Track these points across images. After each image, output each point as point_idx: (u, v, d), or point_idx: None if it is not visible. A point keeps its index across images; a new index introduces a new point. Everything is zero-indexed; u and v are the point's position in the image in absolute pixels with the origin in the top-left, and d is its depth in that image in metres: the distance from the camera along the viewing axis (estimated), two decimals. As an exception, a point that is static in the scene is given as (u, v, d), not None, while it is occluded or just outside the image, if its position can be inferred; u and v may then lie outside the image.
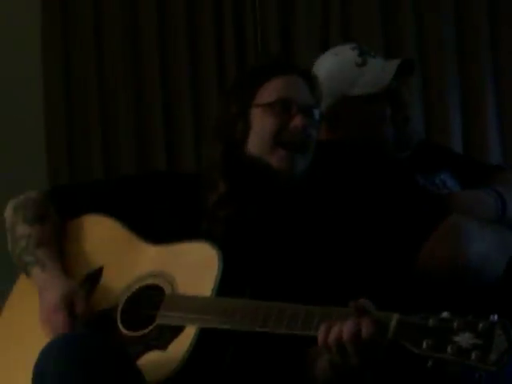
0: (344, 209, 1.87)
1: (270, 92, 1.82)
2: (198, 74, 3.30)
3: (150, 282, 1.72)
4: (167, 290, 1.67)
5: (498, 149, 2.96)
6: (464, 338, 1.27)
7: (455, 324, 1.29)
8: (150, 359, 1.59)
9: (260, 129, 1.80)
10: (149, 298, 1.69)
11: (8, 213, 1.91)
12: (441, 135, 2.99)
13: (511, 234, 2.01)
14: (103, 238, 1.85)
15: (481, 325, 1.27)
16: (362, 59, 2.11)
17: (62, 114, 3.36)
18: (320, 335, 1.41)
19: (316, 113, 1.84)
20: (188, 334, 1.57)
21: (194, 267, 1.67)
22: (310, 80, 1.87)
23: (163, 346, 1.59)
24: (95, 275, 1.81)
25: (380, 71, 2.09)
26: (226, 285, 1.61)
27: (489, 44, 3.02)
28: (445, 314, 1.32)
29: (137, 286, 1.73)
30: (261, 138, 1.80)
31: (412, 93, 2.92)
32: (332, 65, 2.14)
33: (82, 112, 3.36)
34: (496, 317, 1.27)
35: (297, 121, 1.79)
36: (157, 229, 1.82)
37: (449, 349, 1.27)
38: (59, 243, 1.87)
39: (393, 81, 2.07)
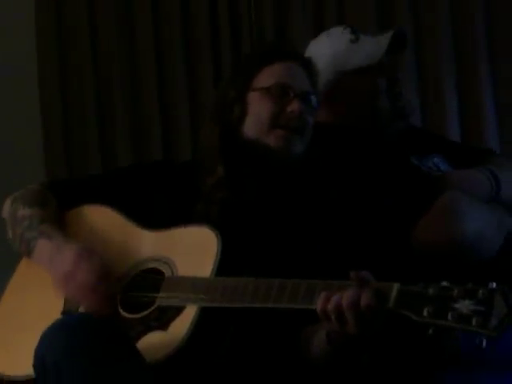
0: (340, 188, 1.89)
1: (267, 77, 1.84)
2: (194, 65, 3.29)
3: (149, 266, 1.72)
4: (167, 273, 1.68)
5: (495, 137, 2.96)
6: (464, 305, 1.28)
7: (455, 292, 1.30)
8: (151, 339, 1.59)
9: (257, 112, 1.82)
10: (149, 281, 1.69)
11: (6, 205, 1.91)
12: (438, 127, 2.98)
13: (506, 212, 2.03)
14: (102, 227, 1.85)
15: (480, 292, 1.28)
16: (354, 36, 2.16)
17: (59, 106, 3.35)
18: (319, 303, 1.42)
19: (313, 99, 1.86)
20: (188, 314, 1.58)
21: (193, 250, 1.68)
22: (308, 67, 1.89)
23: (164, 326, 1.60)
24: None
25: (374, 45, 2.13)
26: (225, 266, 1.62)
27: (484, 31, 3.03)
28: (444, 283, 1.33)
29: (136, 271, 1.74)
30: (258, 121, 1.82)
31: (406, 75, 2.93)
32: (325, 44, 2.19)
33: (78, 100, 3.35)
34: (495, 284, 1.28)
35: (294, 105, 1.81)
36: (154, 216, 1.83)
37: (449, 316, 1.28)
38: (60, 226, 1.86)
39: (387, 54, 2.10)
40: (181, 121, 3.28)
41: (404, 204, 1.92)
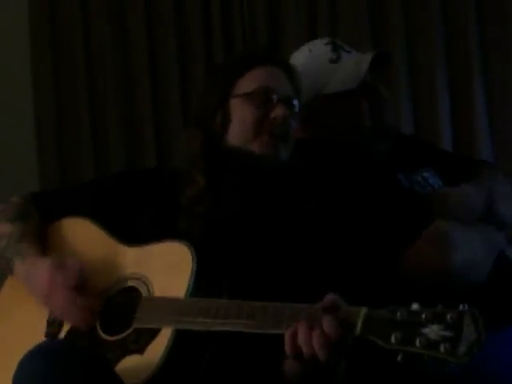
0: (325, 205, 1.84)
1: (249, 82, 1.80)
2: (187, 65, 3.29)
3: (127, 284, 1.71)
4: (144, 293, 1.66)
5: (487, 137, 2.94)
6: (432, 330, 1.25)
7: (423, 316, 1.27)
8: (129, 364, 1.57)
9: (240, 119, 1.79)
10: (126, 301, 1.67)
11: None
12: (430, 131, 2.98)
13: (496, 232, 2.00)
14: (82, 240, 1.83)
15: (449, 316, 1.24)
16: (336, 55, 2.08)
17: (52, 106, 3.37)
18: (287, 347, 1.42)
19: (296, 103, 1.83)
20: (164, 337, 1.56)
21: (168, 268, 1.65)
22: (290, 71, 1.86)
23: (141, 349, 1.57)
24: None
25: (354, 67, 2.05)
26: (204, 280, 1.60)
27: (476, 32, 3.01)
28: (414, 307, 1.30)
29: (114, 290, 1.72)
30: (241, 128, 1.78)
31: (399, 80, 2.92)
32: (305, 60, 2.10)
33: (72, 100, 3.36)
34: (466, 306, 1.25)
35: (278, 111, 1.77)
36: (135, 229, 1.80)
37: (417, 342, 1.25)
38: (41, 241, 1.85)
39: (367, 75, 2.03)
40: (173, 121, 3.27)
41: (389, 224, 1.89)
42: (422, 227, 1.88)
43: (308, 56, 2.12)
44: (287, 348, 1.42)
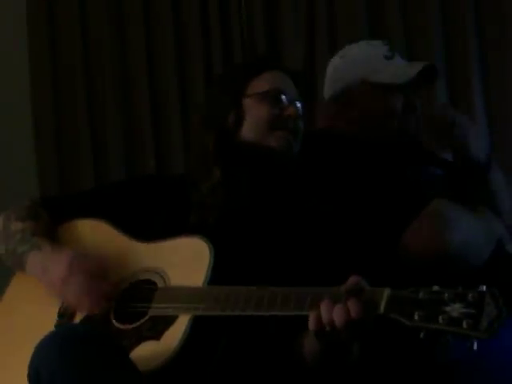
0: (334, 195, 1.90)
1: (262, 84, 1.89)
2: (185, 65, 3.31)
3: (142, 277, 1.73)
4: (160, 284, 1.68)
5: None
6: (455, 308, 1.28)
7: (445, 295, 1.30)
8: (144, 349, 1.59)
9: (255, 117, 1.86)
10: (142, 292, 1.69)
11: None
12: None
13: (497, 220, 2.02)
14: (95, 240, 1.85)
15: (470, 295, 1.28)
16: (391, 53, 2.18)
17: (50, 107, 3.37)
18: (311, 323, 1.44)
19: (300, 108, 1.91)
20: (181, 323, 1.58)
21: (185, 262, 1.68)
22: (295, 77, 1.95)
23: (157, 336, 1.59)
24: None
25: (406, 66, 2.16)
26: (219, 274, 1.62)
27: (474, 31, 3.03)
28: (435, 287, 1.33)
29: (130, 282, 1.74)
30: (256, 125, 1.86)
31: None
32: (362, 50, 2.21)
33: (70, 101, 3.37)
34: (485, 287, 1.29)
35: (289, 110, 1.87)
36: (147, 230, 1.83)
37: (440, 319, 1.28)
38: (53, 239, 1.86)
39: (414, 79, 2.11)
40: (172, 121, 3.29)
41: (393, 211, 1.92)
42: (419, 209, 1.92)
43: (366, 47, 2.22)
44: (311, 325, 1.45)
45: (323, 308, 1.43)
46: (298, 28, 3.20)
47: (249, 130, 1.86)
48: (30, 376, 1.50)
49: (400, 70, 2.15)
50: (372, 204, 1.93)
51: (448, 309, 1.28)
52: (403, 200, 1.96)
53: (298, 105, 1.90)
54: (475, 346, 1.26)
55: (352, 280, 1.44)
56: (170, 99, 3.31)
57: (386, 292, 1.37)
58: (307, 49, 3.17)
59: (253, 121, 1.86)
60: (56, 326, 1.75)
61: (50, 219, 1.90)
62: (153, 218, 1.86)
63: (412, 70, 2.13)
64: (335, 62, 2.25)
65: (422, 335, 1.30)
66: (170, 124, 3.29)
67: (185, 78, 3.31)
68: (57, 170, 3.36)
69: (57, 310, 1.78)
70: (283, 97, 1.87)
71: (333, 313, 1.41)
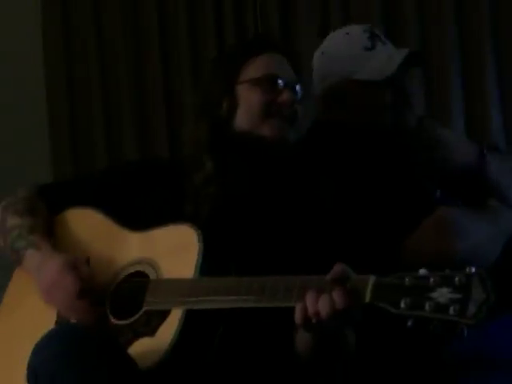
0: (333, 186, 1.84)
1: (255, 68, 1.82)
2: (199, 61, 3.30)
3: (135, 269, 1.71)
4: (152, 276, 1.67)
5: (499, 123, 2.92)
6: (441, 294, 1.24)
7: (431, 280, 1.26)
8: (140, 346, 1.57)
9: (248, 104, 1.80)
10: (135, 286, 1.68)
11: None
12: (441, 109, 2.97)
13: (509, 213, 1.97)
14: (87, 230, 1.84)
15: (457, 278, 1.24)
16: (371, 43, 2.09)
17: (65, 103, 3.40)
18: (297, 316, 1.42)
19: (299, 90, 1.85)
20: (174, 317, 1.56)
21: (175, 250, 1.66)
22: (292, 58, 1.88)
23: (152, 331, 1.58)
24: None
25: (387, 59, 2.07)
26: (212, 262, 1.60)
27: (489, 18, 2.99)
28: (422, 272, 1.29)
29: (123, 275, 1.72)
30: (249, 112, 1.80)
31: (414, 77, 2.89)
32: (341, 44, 2.13)
33: (85, 98, 3.40)
34: (473, 269, 1.24)
35: (284, 96, 1.80)
36: (141, 217, 1.80)
37: (427, 306, 1.24)
38: (50, 234, 1.86)
39: (397, 71, 2.05)
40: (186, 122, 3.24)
41: (396, 211, 1.89)
42: (424, 214, 1.89)
43: (344, 38, 2.14)
44: (296, 318, 1.42)
45: (308, 300, 1.40)
46: (313, 29, 3.15)
47: (242, 119, 1.80)
48: (28, 375, 1.49)
49: (382, 64, 2.06)
50: (374, 195, 1.90)
51: (435, 295, 1.24)
52: (406, 194, 1.94)
53: (297, 88, 1.84)
54: (465, 333, 1.22)
55: (337, 268, 1.41)
56: (184, 100, 3.30)
57: (372, 280, 1.34)
58: (320, 36, 3.13)
59: (245, 109, 1.80)
60: (56, 323, 1.74)
61: (47, 211, 1.89)
62: (149, 203, 1.83)
63: (394, 62, 2.05)
64: (318, 58, 2.18)
65: (409, 323, 1.26)
66: (183, 124, 3.26)
67: (199, 80, 3.26)
68: (71, 168, 3.38)
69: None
70: (279, 81, 1.80)
71: (318, 304, 1.38)
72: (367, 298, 1.33)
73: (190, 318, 1.55)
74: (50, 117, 3.41)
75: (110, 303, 1.69)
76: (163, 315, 1.57)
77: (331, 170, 1.88)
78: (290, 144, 1.80)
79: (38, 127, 3.42)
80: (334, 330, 1.43)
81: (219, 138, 1.81)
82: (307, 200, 1.79)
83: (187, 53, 3.30)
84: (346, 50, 2.10)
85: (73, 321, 1.70)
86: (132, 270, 1.71)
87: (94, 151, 3.38)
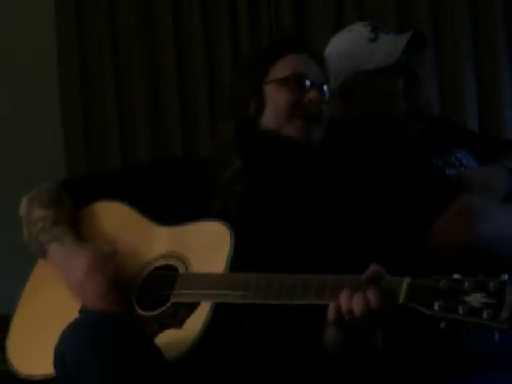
0: (358, 184, 1.89)
1: (283, 68, 1.85)
2: (213, 60, 3.34)
3: (163, 262, 1.73)
4: (181, 270, 1.68)
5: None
6: (475, 298, 1.27)
7: (466, 285, 1.29)
8: (167, 337, 1.59)
9: (275, 103, 1.83)
10: (163, 279, 1.69)
11: (22, 205, 1.91)
12: (455, 109, 3.00)
13: None
14: (116, 224, 1.85)
15: (491, 284, 1.27)
16: (374, 35, 2.14)
17: (79, 103, 3.43)
18: (330, 313, 1.43)
19: (326, 90, 1.87)
20: (203, 310, 1.58)
21: (206, 246, 1.67)
22: (319, 59, 1.91)
23: (179, 323, 1.59)
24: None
25: (391, 46, 2.11)
26: (240, 260, 1.62)
27: (503, 19, 3.01)
28: (456, 276, 1.32)
29: (151, 268, 1.74)
30: (276, 112, 1.83)
31: (425, 67, 2.91)
32: (345, 41, 2.18)
33: (99, 98, 3.43)
34: (506, 276, 1.27)
35: (311, 95, 1.82)
36: (169, 213, 1.82)
37: (460, 309, 1.27)
38: (75, 226, 1.87)
39: (403, 55, 2.09)
40: (200, 120, 3.31)
41: (421, 203, 1.91)
42: (449, 202, 1.91)
43: (347, 37, 2.20)
44: (330, 315, 1.44)
45: (342, 297, 1.42)
46: (327, 10, 3.20)
47: (268, 119, 1.83)
48: (55, 361, 1.50)
49: (387, 51, 2.10)
50: (398, 191, 1.92)
51: (468, 298, 1.27)
52: (430, 191, 1.95)
53: (325, 88, 1.86)
54: (497, 337, 1.25)
55: (372, 268, 1.43)
56: (198, 100, 3.33)
57: (406, 281, 1.36)
58: (335, 31, 3.13)
59: (272, 108, 1.83)
60: (80, 312, 1.74)
61: (72, 203, 1.90)
62: (176, 201, 1.85)
63: (398, 47, 2.08)
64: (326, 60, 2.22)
65: (442, 325, 1.29)
66: (198, 124, 3.32)
67: (214, 80, 3.32)
68: (84, 167, 3.40)
69: None
70: (306, 81, 1.83)
71: (352, 302, 1.41)
72: (401, 299, 1.35)
73: (218, 311, 1.57)
74: (64, 116, 3.43)
75: (136, 295, 1.71)
76: (191, 308, 1.59)
77: (353, 168, 1.93)
78: (313, 144, 1.83)
79: (52, 127, 3.44)
80: (365, 329, 1.45)
81: (247, 138, 1.84)
82: (333, 198, 1.81)
83: (201, 53, 3.34)
84: (351, 46, 2.15)
85: None
86: (160, 263, 1.73)
87: (108, 151, 3.40)
